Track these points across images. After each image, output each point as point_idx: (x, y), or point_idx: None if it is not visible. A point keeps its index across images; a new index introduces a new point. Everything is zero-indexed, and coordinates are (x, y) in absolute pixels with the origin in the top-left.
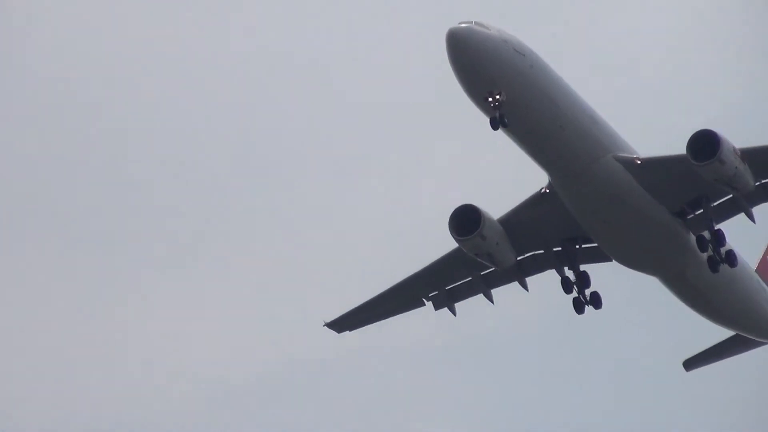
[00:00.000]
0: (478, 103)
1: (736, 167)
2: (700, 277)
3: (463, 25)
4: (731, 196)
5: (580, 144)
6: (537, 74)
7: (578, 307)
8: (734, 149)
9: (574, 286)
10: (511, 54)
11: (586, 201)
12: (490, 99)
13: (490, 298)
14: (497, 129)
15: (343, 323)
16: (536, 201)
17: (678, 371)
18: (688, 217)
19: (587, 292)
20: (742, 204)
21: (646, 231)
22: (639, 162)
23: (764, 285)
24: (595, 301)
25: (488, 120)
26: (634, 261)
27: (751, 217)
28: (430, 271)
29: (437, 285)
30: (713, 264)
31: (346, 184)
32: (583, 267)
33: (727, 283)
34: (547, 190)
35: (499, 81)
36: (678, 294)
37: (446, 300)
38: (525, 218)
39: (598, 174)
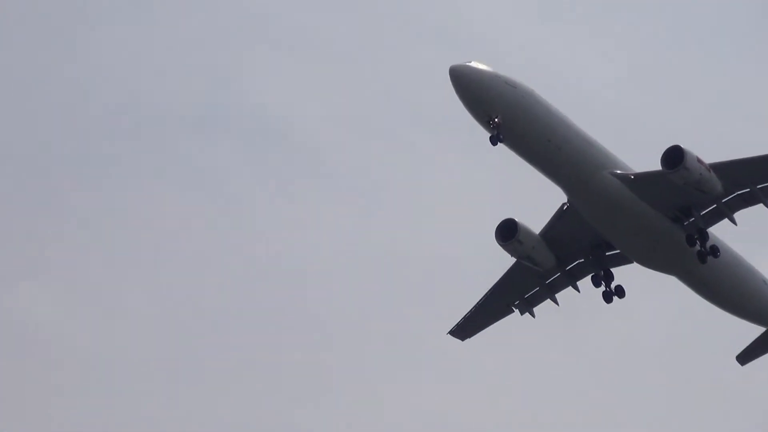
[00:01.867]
0: (481, 124)
1: (701, 173)
2: (703, 271)
3: (460, 63)
4: (715, 206)
5: (576, 161)
6: (529, 102)
7: (607, 297)
8: (698, 159)
9: (602, 282)
10: (501, 86)
11: (594, 210)
12: (490, 121)
13: (555, 301)
14: (495, 144)
15: (461, 331)
16: (561, 213)
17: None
18: (685, 224)
19: (612, 285)
20: (725, 211)
21: (649, 234)
22: (632, 177)
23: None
24: (620, 291)
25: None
26: (648, 260)
27: (733, 221)
28: (504, 281)
29: (515, 294)
30: (701, 256)
31: None
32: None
33: (728, 276)
34: (567, 204)
35: (491, 106)
36: (693, 288)
37: (526, 306)
38: (557, 229)
39: (596, 187)
